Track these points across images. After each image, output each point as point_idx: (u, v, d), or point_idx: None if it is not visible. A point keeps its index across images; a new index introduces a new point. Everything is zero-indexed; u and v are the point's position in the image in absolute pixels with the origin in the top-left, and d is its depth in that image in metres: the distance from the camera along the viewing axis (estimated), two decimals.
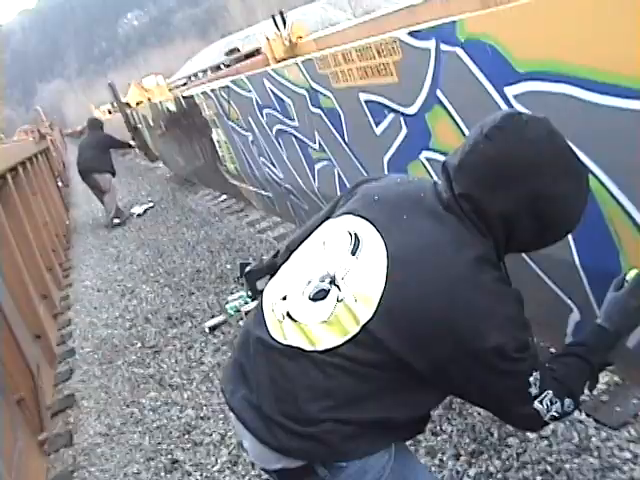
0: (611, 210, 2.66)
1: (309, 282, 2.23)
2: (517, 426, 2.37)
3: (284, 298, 2.30)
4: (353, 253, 2.19)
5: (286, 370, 2.18)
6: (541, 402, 2.10)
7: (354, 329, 2.07)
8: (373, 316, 2.05)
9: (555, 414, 2.15)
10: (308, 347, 2.14)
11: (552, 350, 4.85)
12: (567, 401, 2.17)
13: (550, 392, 2.11)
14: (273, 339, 2.23)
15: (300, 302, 2.23)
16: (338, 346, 2.08)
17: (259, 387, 2.23)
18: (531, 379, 2.07)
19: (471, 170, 2.13)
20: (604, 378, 4.44)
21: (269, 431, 2.18)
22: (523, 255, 3.33)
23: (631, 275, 2.33)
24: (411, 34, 3.49)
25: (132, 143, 16.04)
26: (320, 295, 2.18)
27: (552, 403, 2.12)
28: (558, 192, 2.04)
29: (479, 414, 4.50)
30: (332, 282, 2.18)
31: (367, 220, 2.24)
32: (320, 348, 2.11)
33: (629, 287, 2.33)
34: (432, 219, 2.16)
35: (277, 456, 2.20)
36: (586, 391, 2.38)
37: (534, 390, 2.08)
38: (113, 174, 15.00)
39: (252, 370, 2.29)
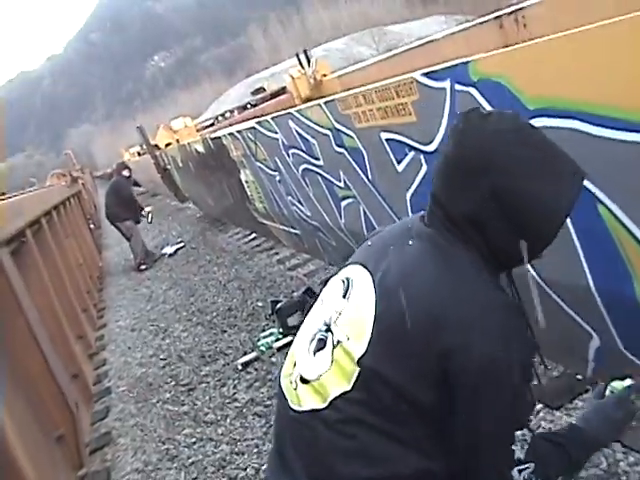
0: (623, 239, 2.76)
1: (311, 340, 2.19)
2: None
3: (294, 364, 2.25)
4: (344, 296, 2.16)
5: (307, 439, 2.09)
6: (520, 472, 1.95)
7: (353, 369, 1.99)
8: (367, 350, 1.97)
9: None
10: (321, 405, 2.05)
11: (578, 377, 4.92)
12: None
13: (532, 466, 1.97)
14: (292, 409, 2.16)
15: (307, 361, 2.18)
16: (347, 392, 1.98)
17: (293, 465, 2.13)
18: (518, 434, 1.95)
19: (439, 175, 2.08)
20: None
21: None
22: (543, 284, 3.43)
23: (615, 386, 2.31)
24: (427, 75, 3.61)
25: (146, 211, 15.54)
26: (320, 345, 2.14)
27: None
28: (527, 188, 1.90)
29: None
30: (328, 329, 2.14)
31: (358, 264, 2.21)
32: (330, 398, 2.02)
33: (615, 398, 2.28)
34: (415, 242, 2.11)
35: None
36: None
37: (518, 452, 1.94)
38: (136, 221, 15.18)
39: (285, 449, 2.20)
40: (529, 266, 2.09)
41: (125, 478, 5.86)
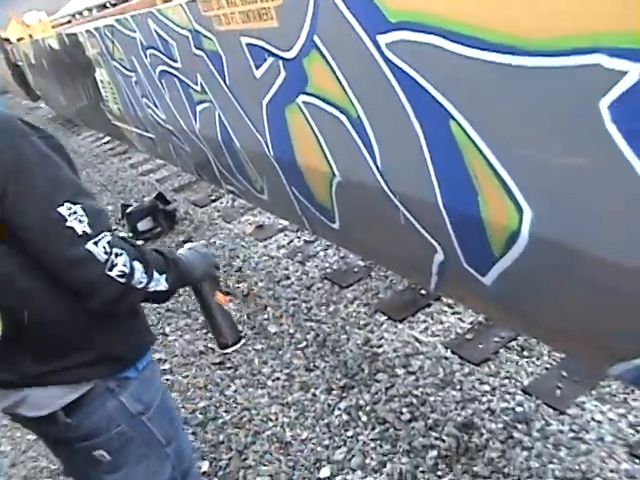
0: (471, 155, 2.81)
1: None
2: (74, 275, 1.93)
3: None
4: None
5: None
6: (96, 244, 1.89)
7: None
8: None
9: (124, 269, 1.94)
10: None
11: (422, 292, 5.07)
12: (138, 266, 1.99)
13: (108, 236, 1.93)
14: None
15: None
16: None
17: None
18: (62, 209, 1.87)
19: None
20: (469, 318, 4.69)
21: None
22: (393, 198, 3.48)
23: None
24: None
25: None
26: None
27: (117, 254, 1.92)
28: None
29: (351, 351, 4.69)
30: None
31: None
32: None
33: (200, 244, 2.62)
34: None
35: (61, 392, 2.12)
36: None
37: (81, 226, 1.88)
38: None
39: None
40: None
41: None
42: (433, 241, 3.43)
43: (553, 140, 2.44)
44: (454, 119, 2.81)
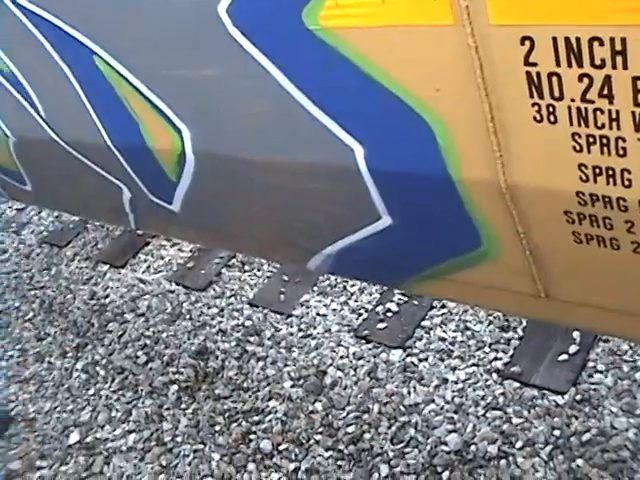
0: (121, 87, 2.75)
1: None
2: None
3: None
4: None
5: None
6: None
7: None
8: None
9: None
10: None
11: (139, 232, 5.03)
12: None
13: None
14: None
15: None
16: None
17: None
18: None
19: None
20: (189, 247, 4.70)
21: None
22: (66, 147, 3.37)
23: None
24: None
25: None
26: None
27: None
28: None
29: (79, 309, 4.60)
30: None
31: None
32: None
33: None
34: None
35: None
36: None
37: None
38: None
39: None
40: None
41: None
42: (116, 181, 3.36)
43: (188, 56, 2.42)
44: (97, 54, 2.72)
